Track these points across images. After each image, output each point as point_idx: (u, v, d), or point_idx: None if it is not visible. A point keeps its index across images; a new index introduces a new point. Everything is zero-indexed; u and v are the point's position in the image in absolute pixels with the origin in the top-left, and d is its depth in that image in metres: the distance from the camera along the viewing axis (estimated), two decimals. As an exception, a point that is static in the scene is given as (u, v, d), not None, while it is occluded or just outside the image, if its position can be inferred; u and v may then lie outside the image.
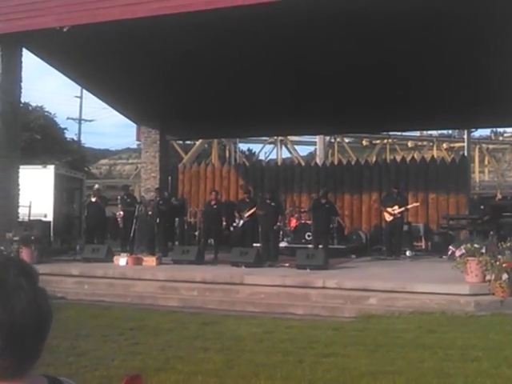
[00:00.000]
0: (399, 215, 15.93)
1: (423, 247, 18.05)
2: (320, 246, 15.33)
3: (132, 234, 16.30)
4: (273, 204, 15.39)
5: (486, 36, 13.83)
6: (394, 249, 16.03)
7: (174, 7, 12.71)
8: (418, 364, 6.53)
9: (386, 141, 38.40)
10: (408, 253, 16.38)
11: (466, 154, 27.51)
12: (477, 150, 39.98)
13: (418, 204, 17.74)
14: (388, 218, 16.00)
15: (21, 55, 15.25)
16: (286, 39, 14.59)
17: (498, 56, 14.40)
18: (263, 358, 6.84)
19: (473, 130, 32.14)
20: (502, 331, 8.10)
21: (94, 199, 17.20)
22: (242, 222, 16.20)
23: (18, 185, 14.94)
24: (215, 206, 16.19)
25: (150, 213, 16.62)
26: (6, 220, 14.42)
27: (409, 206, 16.47)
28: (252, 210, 15.89)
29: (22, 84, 15.38)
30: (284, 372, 6.23)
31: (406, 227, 17.27)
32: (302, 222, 17.77)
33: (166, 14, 12.74)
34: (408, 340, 7.69)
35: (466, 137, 32.96)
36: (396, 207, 15.85)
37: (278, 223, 15.41)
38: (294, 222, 18.01)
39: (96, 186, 19.08)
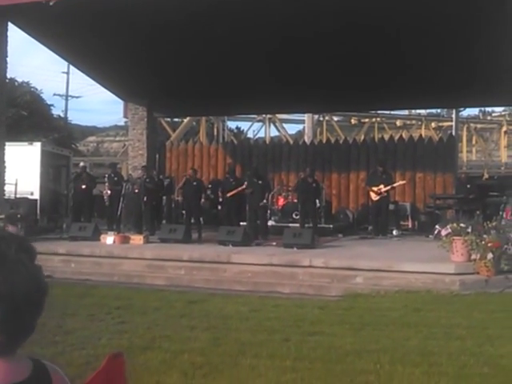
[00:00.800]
0: (385, 194, 15.96)
1: (410, 226, 18.13)
2: (307, 226, 15.37)
3: (119, 213, 16.25)
4: (260, 182, 15.40)
5: (475, 16, 13.77)
6: (381, 228, 16.08)
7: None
8: (402, 342, 6.60)
9: (374, 119, 38.47)
10: (394, 232, 16.47)
11: (453, 133, 27.56)
12: (465, 129, 40.11)
13: (404, 182, 17.79)
14: (374, 197, 16.02)
15: (6, 30, 15.02)
16: (275, 15, 14.44)
17: (486, 36, 14.36)
18: (249, 337, 6.88)
19: (461, 109, 32.17)
20: (486, 310, 8.20)
21: (83, 186, 16.93)
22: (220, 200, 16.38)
23: (4, 162, 14.80)
24: (194, 183, 16.07)
25: (136, 191, 16.54)
26: (-8, 198, 14.34)
27: (395, 185, 16.51)
28: (236, 190, 15.94)
29: (8, 59, 15.19)
30: (270, 350, 6.27)
31: (392, 206, 17.35)
32: (290, 201, 17.78)
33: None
34: (393, 318, 7.77)
35: (454, 116, 33.01)
36: (382, 186, 15.86)
37: (265, 200, 15.40)
38: (281, 201, 18.04)
39: (81, 163, 18.92)
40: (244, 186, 15.75)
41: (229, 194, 16.02)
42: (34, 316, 1.26)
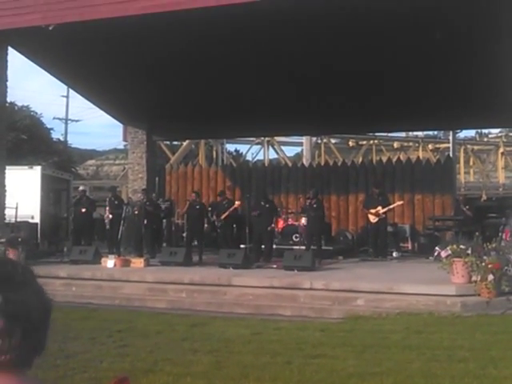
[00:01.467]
0: (384, 215, 16.01)
1: (409, 248, 18.15)
2: (312, 248, 15.39)
3: (119, 236, 16.26)
4: (267, 206, 15.51)
5: (472, 38, 13.94)
6: (380, 250, 16.10)
7: (162, 5, 12.71)
8: (405, 365, 6.59)
9: (372, 142, 38.56)
10: (394, 254, 16.48)
11: (451, 154, 27.63)
12: (462, 150, 40.21)
13: (401, 202, 17.83)
14: (373, 219, 16.06)
15: (6, 53, 15.12)
16: (273, 39, 14.62)
17: (483, 57, 14.53)
18: (251, 360, 6.87)
19: (458, 131, 32.32)
20: (488, 332, 8.18)
21: (83, 210, 17.06)
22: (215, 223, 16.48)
23: (5, 186, 14.84)
24: (197, 207, 16.23)
25: (136, 212, 16.58)
26: (-7, 221, 14.34)
27: (393, 206, 16.56)
28: (228, 211, 16.17)
29: (8, 83, 15.28)
30: (272, 373, 6.26)
31: (392, 228, 17.39)
32: (290, 223, 17.81)
33: (154, 13, 12.73)
34: (395, 341, 7.76)
35: (451, 138, 33.12)
36: (379, 208, 15.92)
37: (272, 224, 15.51)
38: (281, 224, 18.05)
39: (81, 187, 18.97)
40: (236, 206, 15.96)
41: (222, 217, 16.17)
42: (43, 334, 1.28)
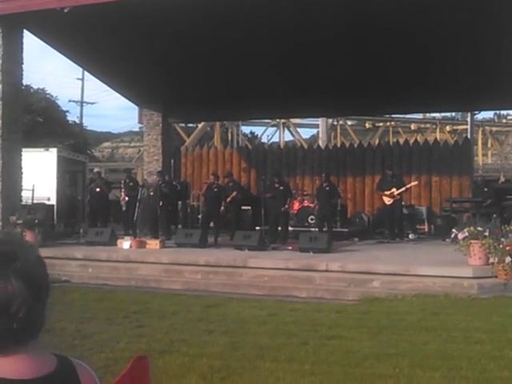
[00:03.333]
0: (398, 197, 15.92)
1: (426, 230, 18.05)
2: (324, 229, 15.39)
3: (135, 217, 16.32)
4: (281, 187, 15.49)
5: (491, 17, 13.71)
6: (397, 232, 16.03)
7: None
8: (421, 346, 6.57)
9: (388, 123, 38.33)
10: (411, 236, 16.40)
11: (469, 136, 27.37)
12: (480, 132, 39.83)
13: (416, 183, 17.70)
14: (388, 201, 15.99)
15: (22, 36, 15.12)
16: (288, 19, 14.44)
17: (502, 38, 14.29)
18: (267, 341, 6.87)
19: (476, 112, 31.99)
20: (505, 314, 8.12)
21: (98, 189, 17.19)
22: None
23: (21, 168, 14.91)
24: (215, 189, 16.25)
25: (151, 193, 16.62)
26: (10, 203, 14.43)
27: (407, 186, 16.43)
28: (233, 194, 16.39)
29: (24, 66, 15.31)
30: (288, 354, 6.27)
31: (408, 210, 17.29)
32: (305, 205, 17.77)
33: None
34: (411, 322, 7.73)
35: (469, 119, 32.83)
36: (394, 190, 15.83)
37: (286, 205, 15.48)
38: (296, 205, 18.01)
39: (96, 169, 19.06)
40: (234, 194, 16.31)
41: (228, 199, 16.27)
42: (45, 303, 1.28)
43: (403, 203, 16.66)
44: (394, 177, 16.29)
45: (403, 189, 15.97)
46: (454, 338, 6.86)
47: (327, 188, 15.88)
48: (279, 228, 15.54)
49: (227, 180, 17.53)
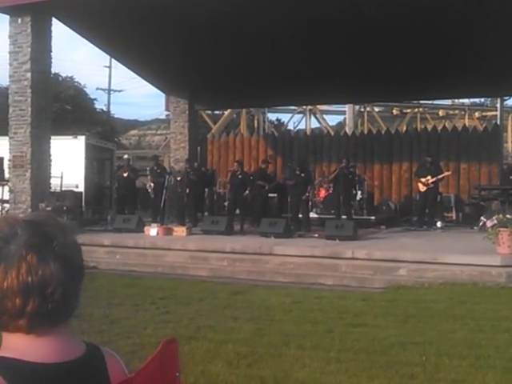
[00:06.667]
0: (433, 185, 15.76)
1: (454, 218, 17.85)
2: (343, 217, 15.29)
3: (162, 205, 16.43)
4: (302, 175, 15.42)
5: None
6: (427, 219, 15.88)
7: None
8: (448, 335, 6.52)
9: (416, 110, 37.82)
10: (438, 224, 16.21)
11: (498, 122, 26.93)
12: (510, 118, 39.15)
13: (449, 173, 17.51)
14: (422, 188, 15.86)
15: (50, 25, 15.25)
16: (315, 5, 14.33)
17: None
18: (293, 328, 6.89)
19: (506, 98, 31.45)
20: (534, 303, 8.03)
21: (125, 174, 17.39)
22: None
23: (50, 155, 15.10)
24: (240, 176, 16.27)
25: (179, 179, 16.70)
26: (39, 190, 14.65)
27: (441, 176, 16.24)
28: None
29: (52, 54, 15.45)
30: (313, 341, 6.27)
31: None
32: (331, 192, 17.68)
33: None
34: (438, 311, 7.67)
35: (498, 105, 32.30)
36: (429, 177, 15.67)
37: (307, 193, 15.42)
38: (323, 193, 17.95)
39: (125, 156, 19.21)
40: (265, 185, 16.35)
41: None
42: (79, 287, 1.28)
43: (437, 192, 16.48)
44: (432, 164, 16.12)
45: (436, 178, 15.80)
46: (481, 327, 6.80)
47: (349, 176, 15.85)
48: (300, 216, 15.46)
49: (264, 166, 17.46)
